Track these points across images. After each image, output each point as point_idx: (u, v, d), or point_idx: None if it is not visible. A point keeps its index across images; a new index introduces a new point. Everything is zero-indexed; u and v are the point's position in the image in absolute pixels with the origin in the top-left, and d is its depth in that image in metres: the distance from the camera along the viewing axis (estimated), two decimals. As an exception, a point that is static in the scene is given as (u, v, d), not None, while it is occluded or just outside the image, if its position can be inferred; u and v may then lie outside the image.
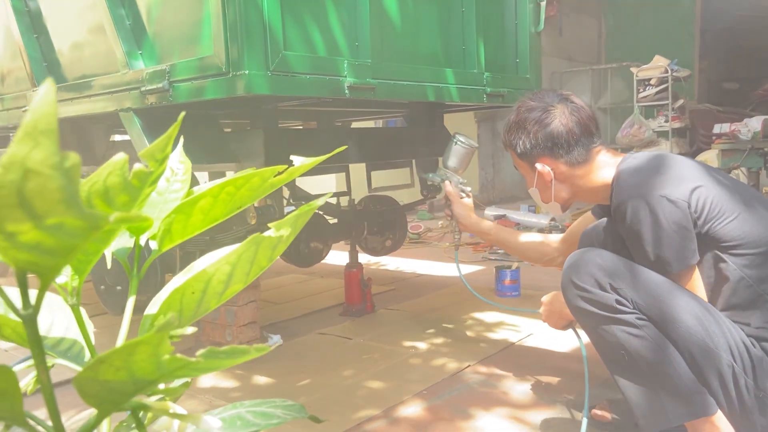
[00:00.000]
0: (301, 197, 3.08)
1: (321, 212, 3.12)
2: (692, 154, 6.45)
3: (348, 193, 3.12)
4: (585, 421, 1.65)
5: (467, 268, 4.09)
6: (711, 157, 5.60)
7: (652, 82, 6.33)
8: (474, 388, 2.08)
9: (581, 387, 2.05)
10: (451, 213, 2.08)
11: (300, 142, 2.27)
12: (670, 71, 6.20)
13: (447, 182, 2.07)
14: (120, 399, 0.38)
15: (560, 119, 1.58)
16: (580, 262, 1.46)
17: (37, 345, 0.36)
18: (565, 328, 1.84)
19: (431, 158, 2.81)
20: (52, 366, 0.45)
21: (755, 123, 5.66)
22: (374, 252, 3.55)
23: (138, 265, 0.47)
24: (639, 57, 7.19)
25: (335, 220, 3.17)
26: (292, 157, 0.56)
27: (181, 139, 0.59)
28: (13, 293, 0.54)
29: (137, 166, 0.37)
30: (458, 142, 2.08)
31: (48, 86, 0.27)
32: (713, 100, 7.57)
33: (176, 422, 0.46)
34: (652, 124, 6.27)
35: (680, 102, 6.33)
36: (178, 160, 0.52)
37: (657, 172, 1.44)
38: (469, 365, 2.29)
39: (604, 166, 1.59)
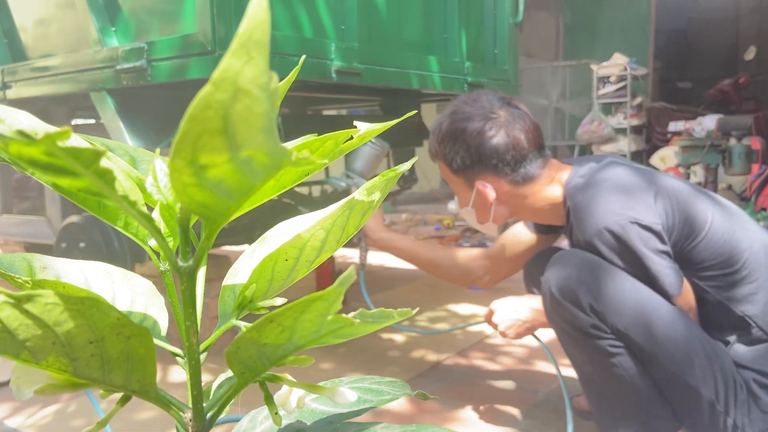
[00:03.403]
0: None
1: (292, 202, 3.05)
2: (648, 151, 6.62)
3: (326, 181, 3.05)
4: (570, 419, 1.55)
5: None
6: (669, 153, 5.76)
7: (612, 79, 6.45)
8: (456, 380, 2.06)
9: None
10: None
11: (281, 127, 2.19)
12: (629, 69, 6.33)
13: (355, 189, 1.91)
14: (264, 367, 0.34)
15: (506, 130, 1.37)
16: (564, 271, 1.29)
17: (191, 305, 0.31)
18: (522, 336, 1.62)
19: (408, 148, 2.78)
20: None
21: (709, 122, 5.85)
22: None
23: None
24: (595, 55, 7.32)
25: (307, 210, 3.11)
26: (356, 123, 0.52)
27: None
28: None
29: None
30: (369, 143, 1.84)
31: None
32: (666, 98, 7.79)
33: (295, 395, 0.42)
34: (611, 121, 6.39)
35: (639, 100, 6.48)
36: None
37: (615, 194, 1.28)
38: (448, 356, 2.27)
39: (552, 183, 1.43)
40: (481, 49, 2.56)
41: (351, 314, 0.33)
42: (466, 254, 1.77)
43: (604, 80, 6.53)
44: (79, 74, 1.85)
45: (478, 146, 1.38)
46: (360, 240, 1.87)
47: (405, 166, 0.45)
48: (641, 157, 6.67)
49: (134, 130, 1.74)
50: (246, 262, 0.44)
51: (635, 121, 6.40)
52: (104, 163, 0.23)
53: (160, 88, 1.76)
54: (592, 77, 6.71)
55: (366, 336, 2.54)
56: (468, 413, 1.81)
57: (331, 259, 3.08)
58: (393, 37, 2.10)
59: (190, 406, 0.37)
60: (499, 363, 2.20)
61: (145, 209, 0.29)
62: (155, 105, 1.85)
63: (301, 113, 3.21)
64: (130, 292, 0.42)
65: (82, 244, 2.05)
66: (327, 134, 0.46)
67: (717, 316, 1.33)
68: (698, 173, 5.11)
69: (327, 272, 3.06)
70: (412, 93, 2.76)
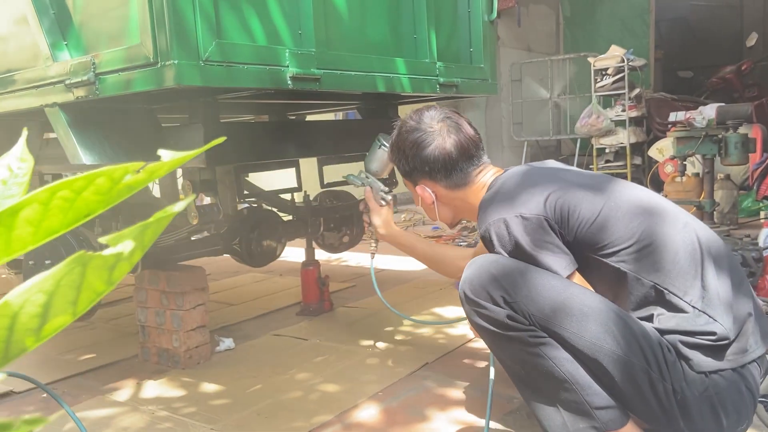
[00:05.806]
0: (255, 194, 2.96)
1: (274, 209, 3.02)
2: (649, 143, 6.51)
3: (299, 188, 3.02)
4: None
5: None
6: (667, 145, 5.65)
7: (609, 71, 6.34)
8: (431, 388, 2.02)
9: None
10: (369, 221, 2.00)
11: (243, 136, 2.16)
12: (626, 61, 6.22)
13: (368, 188, 1.98)
14: None
15: (438, 142, 1.54)
16: (474, 272, 1.37)
17: None
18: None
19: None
20: None
21: (709, 111, 5.73)
22: (332, 249, 3.46)
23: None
24: (596, 47, 7.22)
25: (289, 217, 3.07)
26: (160, 152, 0.47)
27: (24, 132, 0.49)
28: None
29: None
30: (382, 146, 1.97)
31: None
32: (668, 88, 7.66)
33: None
34: (610, 113, 6.28)
35: (636, 91, 6.36)
36: (18, 158, 0.42)
37: (511, 192, 1.42)
38: (426, 363, 2.22)
39: (483, 188, 1.57)
40: (455, 49, 2.51)
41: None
42: (462, 253, 1.94)
43: (601, 72, 6.43)
44: (34, 89, 1.83)
45: (413, 156, 1.58)
46: (371, 234, 2.08)
47: (178, 207, 0.40)
48: (641, 148, 6.57)
49: (87, 145, 1.70)
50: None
51: (634, 113, 6.29)
52: None
53: (111, 101, 1.73)
54: (591, 70, 6.61)
55: (346, 343, 2.50)
56: (438, 422, 1.77)
57: (317, 264, 3.03)
58: (356, 39, 2.05)
59: None
60: (475, 369, 2.15)
61: None
62: (108, 119, 1.82)
63: (281, 119, 3.17)
64: None
65: (48, 261, 2.03)
66: (103, 170, 0.41)
67: (635, 291, 1.35)
68: (696, 164, 5.01)
69: (312, 278, 3.02)
70: (390, 96, 2.71)
